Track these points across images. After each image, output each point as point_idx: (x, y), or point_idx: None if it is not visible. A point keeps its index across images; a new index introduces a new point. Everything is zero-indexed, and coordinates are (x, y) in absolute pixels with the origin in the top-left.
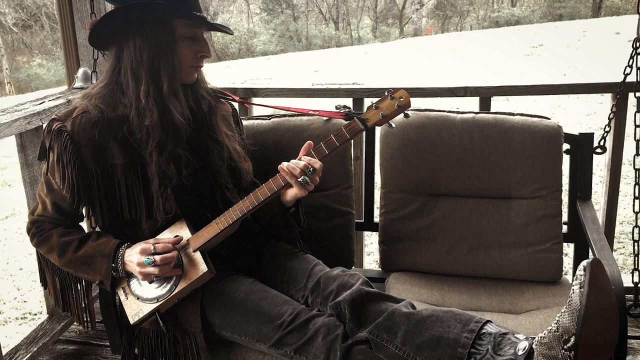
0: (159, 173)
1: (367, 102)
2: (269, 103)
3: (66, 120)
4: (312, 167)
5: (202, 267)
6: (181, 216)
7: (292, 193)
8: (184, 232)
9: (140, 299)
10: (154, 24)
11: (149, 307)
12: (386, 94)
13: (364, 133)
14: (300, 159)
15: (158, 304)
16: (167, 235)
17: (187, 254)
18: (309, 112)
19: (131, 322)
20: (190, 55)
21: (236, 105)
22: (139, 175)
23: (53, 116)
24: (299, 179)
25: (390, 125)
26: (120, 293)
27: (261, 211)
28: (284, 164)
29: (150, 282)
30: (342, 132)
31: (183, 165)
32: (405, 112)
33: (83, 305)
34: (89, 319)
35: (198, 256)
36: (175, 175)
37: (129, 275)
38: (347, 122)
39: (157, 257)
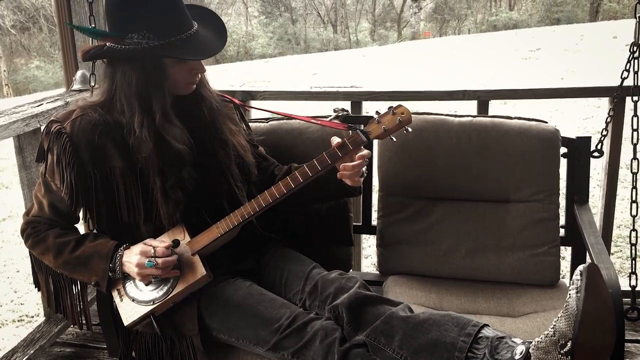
0: (166, 201)
1: (365, 105)
2: (268, 106)
3: (65, 122)
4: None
5: (200, 271)
6: (180, 221)
7: (346, 182)
8: (183, 236)
9: (136, 301)
10: (142, 56)
11: (143, 310)
12: (388, 109)
13: None
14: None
15: (153, 306)
16: (165, 239)
17: (185, 257)
18: (311, 121)
19: (125, 324)
20: (183, 76)
21: None
22: (138, 179)
23: (52, 118)
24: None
25: (392, 139)
26: (115, 295)
27: (314, 184)
28: (352, 165)
29: (147, 285)
30: (345, 143)
31: (192, 186)
32: (406, 127)
33: (79, 308)
34: (84, 321)
35: (196, 260)
36: (182, 200)
37: (125, 278)
38: (349, 134)
39: (159, 260)
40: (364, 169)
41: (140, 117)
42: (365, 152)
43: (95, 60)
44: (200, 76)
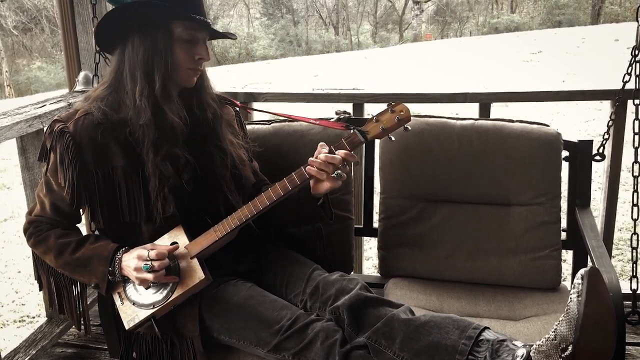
0: (156, 172)
1: (367, 107)
2: (270, 107)
3: (68, 121)
4: (347, 161)
5: (199, 274)
6: (179, 222)
7: (324, 186)
8: (182, 239)
9: (136, 305)
10: (153, 25)
11: (144, 313)
12: (387, 107)
13: None
14: (332, 154)
15: (154, 310)
16: (165, 242)
17: (184, 260)
18: (310, 122)
19: (126, 327)
20: (186, 58)
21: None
22: (140, 178)
23: (55, 117)
24: (332, 174)
25: (390, 138)
26: (116, 298)
27: (287, 203)
28: (322, 156)
29: (146, 288)
30: (342, 143)
31: (182, 166)
32: (405, 125)
33: (79, 310)
34: (83, 322)
35: (195, 263)
36: (172, 174)
37: (125, 281)
38: (348, 134)
39: (155, 263)
40: (339, 171)
41: (142, 86)
42: (349, 152)
43: (106, 31)
44: (203, 67)
